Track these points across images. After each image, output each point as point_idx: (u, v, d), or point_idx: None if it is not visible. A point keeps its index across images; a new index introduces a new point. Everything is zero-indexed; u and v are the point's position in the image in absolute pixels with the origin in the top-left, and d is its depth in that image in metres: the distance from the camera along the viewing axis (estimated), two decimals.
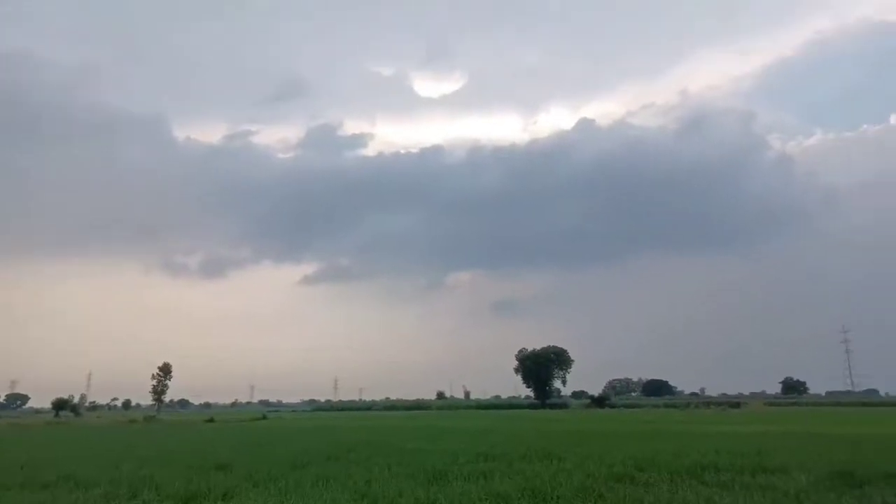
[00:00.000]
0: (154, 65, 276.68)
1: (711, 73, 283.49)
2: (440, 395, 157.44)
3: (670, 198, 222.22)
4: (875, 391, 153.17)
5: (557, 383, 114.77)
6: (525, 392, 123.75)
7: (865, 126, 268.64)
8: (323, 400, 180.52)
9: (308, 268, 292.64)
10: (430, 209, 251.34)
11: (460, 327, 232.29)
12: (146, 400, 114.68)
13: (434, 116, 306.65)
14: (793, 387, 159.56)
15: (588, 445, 16.44)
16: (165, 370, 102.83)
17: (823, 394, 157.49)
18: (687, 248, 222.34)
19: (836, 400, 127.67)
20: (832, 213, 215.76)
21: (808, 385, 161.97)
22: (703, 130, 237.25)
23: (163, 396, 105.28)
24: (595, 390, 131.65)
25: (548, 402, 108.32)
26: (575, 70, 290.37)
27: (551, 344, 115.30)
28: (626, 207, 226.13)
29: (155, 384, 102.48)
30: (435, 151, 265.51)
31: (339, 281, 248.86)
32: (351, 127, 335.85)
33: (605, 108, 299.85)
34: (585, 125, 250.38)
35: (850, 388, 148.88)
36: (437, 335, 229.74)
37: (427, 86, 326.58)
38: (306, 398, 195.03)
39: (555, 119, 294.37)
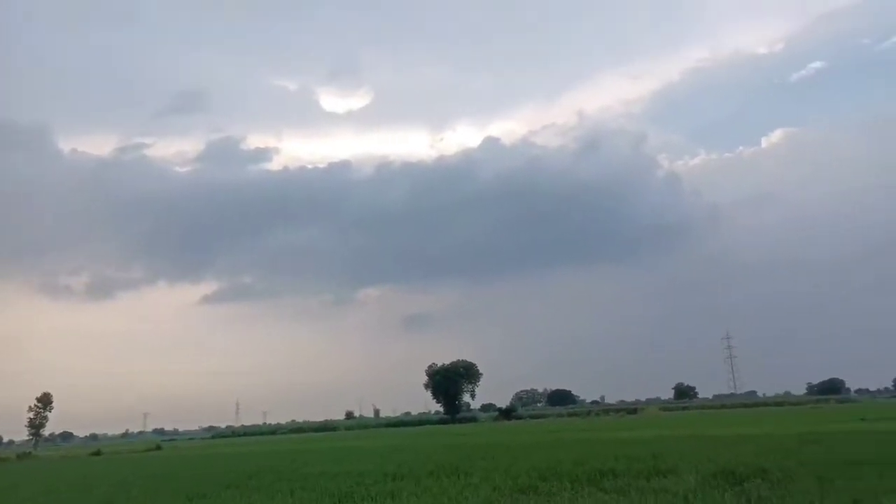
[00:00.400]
0: (39, 74, 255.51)
1: (605, 96, 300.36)
2: (349, 415, 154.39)
3: (572, 214, 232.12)
4: (754, 393, 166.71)
5: (467, 397, 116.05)
6: (435, 407, 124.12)
7: (741, 148, 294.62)
8: (224, 426, 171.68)
9: (208, 287, 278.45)
10: (339, 224, 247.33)
11: (370, 344, 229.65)
12: (21, 435, 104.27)
13: (341, 131, 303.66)
14: (684, 392, 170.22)
15: (495, 458, 16.66)
16: (45, 401, 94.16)
17: (711, 397, 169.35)
18: (588, 261, 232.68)
19: (722, 402, 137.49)
20: (715, 228, 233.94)
21: (697, 390, 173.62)
22: (599, 150, 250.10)
23: (41, 430, 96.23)
24: (503, 402, 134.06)
25: (457, 416, 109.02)
26: (480, 90, 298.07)
27: (461, 358, 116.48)
28: (531, 223, 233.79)
29: (32, 417, 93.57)
30: (342, 166, 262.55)
31: (241, 300, 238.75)
32: (255, 141, 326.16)
33: (508, 127, 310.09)
34: (491, 143, 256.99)
35: (733, 391, 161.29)
36: (346, 353, 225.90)
37: (333, 101, 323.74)
38: (205, 425, 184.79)
39: (461, 137, 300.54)
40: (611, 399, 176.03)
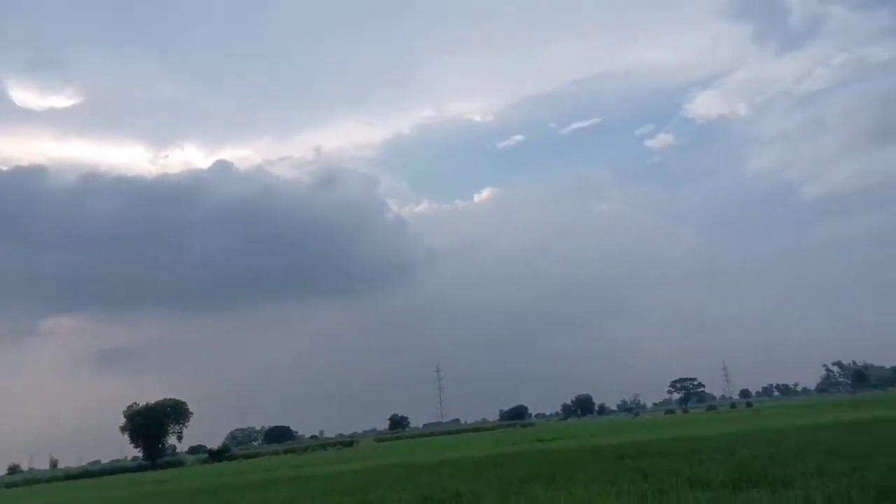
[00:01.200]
0: None
1: (342, 137, 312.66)
2: (13, 469, 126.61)
3: (302, 247, 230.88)
4: (458, 420, 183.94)
5: (173, 439, 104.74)
6: (133, 453, 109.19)
7: (458, 201, 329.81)
8: None
9: None
10: (24, 239, 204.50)
11: (55, 383, 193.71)
12: None
13: (37, 132, 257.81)
14: (398, 422, 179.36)
15: None
16: None
17: (421, 426, 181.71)
18: (315, 295, 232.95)
19: (431, 430, 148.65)
20: (432, 271, 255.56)
21: (409, 419, 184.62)
22: (335, 187, 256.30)
23: None
24: (216, 443, 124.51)
25: (158, 461, 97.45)
26: (214, 111, 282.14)
27: (169, 397, 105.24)
28: (262, 253, 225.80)
29: None
30: (35, 172, 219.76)
31: None
32: None
33: (243, 154, 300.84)
34: (223, 167, 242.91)
35: (440, 420, 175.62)
36: (18, 395, 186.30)
37: (29, 96, 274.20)
38: None
39: (189, 156, 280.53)
40: (330, 433, 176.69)
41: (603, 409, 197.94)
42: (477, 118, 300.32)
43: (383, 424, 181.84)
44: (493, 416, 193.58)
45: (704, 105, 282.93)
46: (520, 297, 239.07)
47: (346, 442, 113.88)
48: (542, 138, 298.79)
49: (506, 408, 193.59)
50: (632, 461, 14.16)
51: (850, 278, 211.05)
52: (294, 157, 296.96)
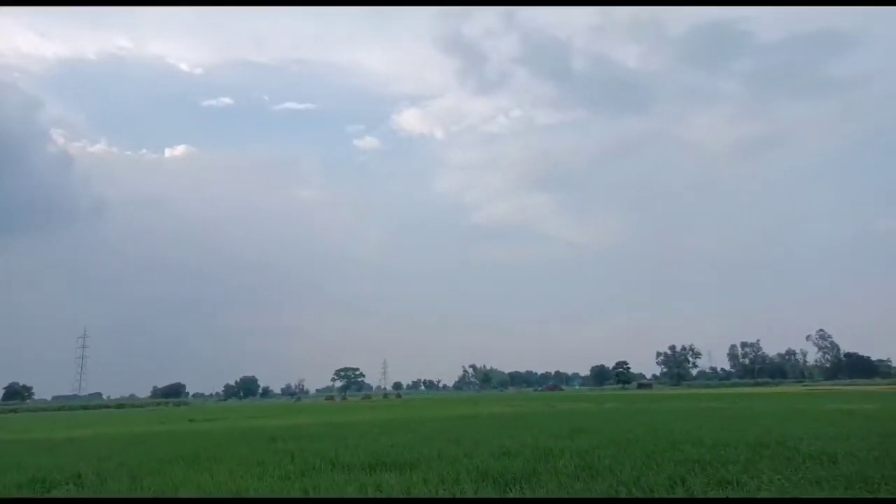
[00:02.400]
0: None
1: (2, 39, 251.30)
2: None
3: None
4: (99, 394, 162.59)
5: None
6: None
7: (145, 151, 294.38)
8: None
9: None
10: None
11: None
12: None
13: None
14: (18, 392, 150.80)
15: None
16: None
17: (50, 398, 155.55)
18: None
19: (63, 404, 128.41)
20: (98, 223, 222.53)
21: (34, 390, 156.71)
22: None
23: None
24: None
25: None
26: None
27: None
28: None
29: None
30: None
31: None
32: None
33: None
34: None
35: (76, 393, 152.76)
36: None
37: None
38: None
39: None
40: None
41: (267, 392, 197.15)
42: (183, 66, 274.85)
43: None
44: (144, 393, 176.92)
45: (409, 121, 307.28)
46: (195, 268, 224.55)
47: None
48: (252, 108, 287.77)
49: (161, 385, 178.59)
50: (283, 444, 14.44)
51: (492, 295, 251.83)
52: None
